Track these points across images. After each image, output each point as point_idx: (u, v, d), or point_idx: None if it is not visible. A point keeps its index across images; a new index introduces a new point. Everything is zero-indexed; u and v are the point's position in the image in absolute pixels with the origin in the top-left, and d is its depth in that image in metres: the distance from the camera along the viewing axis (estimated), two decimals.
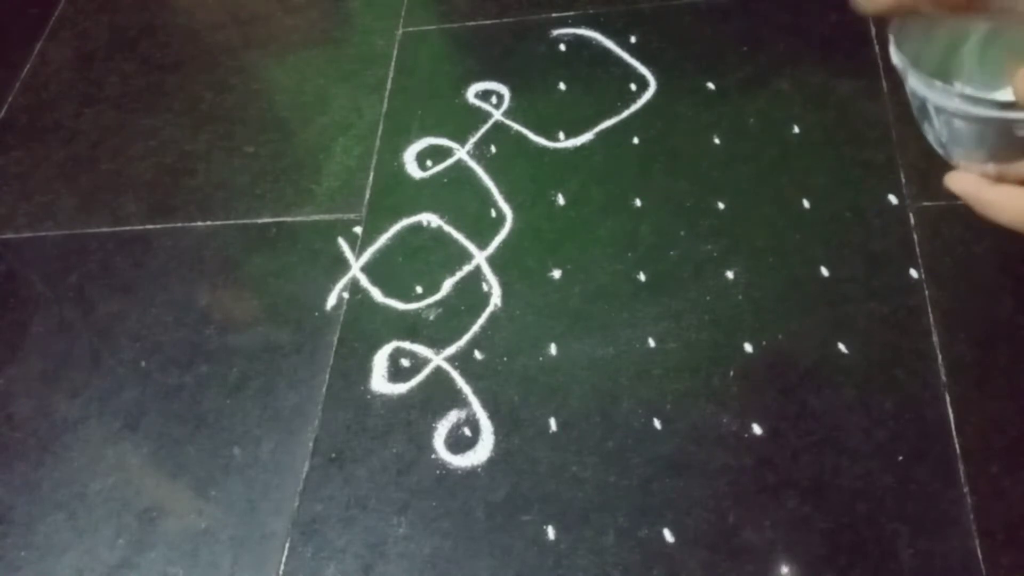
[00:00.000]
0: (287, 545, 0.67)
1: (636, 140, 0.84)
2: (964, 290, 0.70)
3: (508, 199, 0.82)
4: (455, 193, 0.84)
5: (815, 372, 0.68)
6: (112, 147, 0.96)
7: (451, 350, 0.74)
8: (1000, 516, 0.60)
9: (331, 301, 0.79)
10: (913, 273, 0.71)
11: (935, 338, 0.68)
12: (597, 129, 0.85)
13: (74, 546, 0.70)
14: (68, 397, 0.78)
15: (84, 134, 0.98)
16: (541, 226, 0.80)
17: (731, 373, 0.69)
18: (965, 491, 0.61)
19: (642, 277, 0.75)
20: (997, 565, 0.58)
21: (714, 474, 0.64)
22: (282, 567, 0.66)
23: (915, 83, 0.33)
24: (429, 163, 0.87)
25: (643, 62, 0.89)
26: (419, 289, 0.78)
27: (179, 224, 0.88)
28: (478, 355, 0.73)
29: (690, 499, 0.64)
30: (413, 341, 0.75)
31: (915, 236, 0.73)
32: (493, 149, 0.86)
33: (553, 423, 0.69)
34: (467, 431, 0.70)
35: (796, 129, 0.81)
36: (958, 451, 0.62)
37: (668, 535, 0.63)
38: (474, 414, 0.70)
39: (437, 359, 0.74)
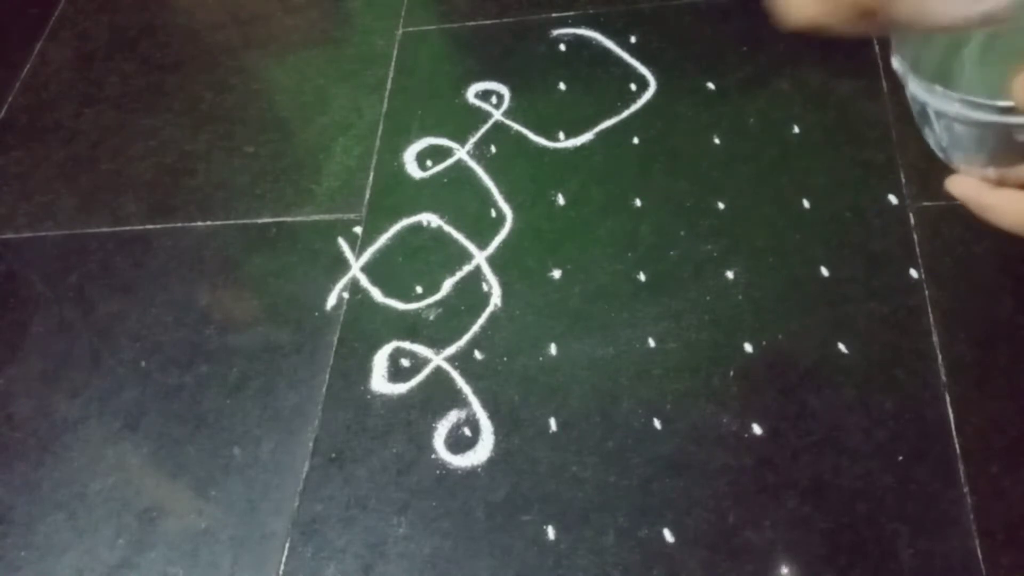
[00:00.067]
0: (287, 545, 0.67)
1: (636, 140, 0.84)
2: (964, 290, 0.70)
3: (508, 199, 0.82)
4: (455, 193, 0.84)
5: (815, 372, 0.68)
6: (112, 147, 0.96)
7: (451, 350, 0.74)
8: (1000, 516, 0.60)
9: (331, 301, 0.79)
10: (913, 273, 0.71)
11: (935, 338, 0.68)
12: (597, 129, 0.85)
13: (74, 546, 0.70)
14: (68, 397, 0.78)
15: (84, 134, 0.98)
16: (541, 226, 0.80)
17: (731, 373, 0.69)
18: (965, 491, 0.61)
19: (642, 277, 0.75)
20: (997, 565, 0.58)
21: (714, 474, 0.64)
22: (282, 567, 0.66)
23: (915, 88, 0.33)
24: (429, 163, 0.87)
25: (643, 62, 0.89)
26: (419, 289, 0.78)
27: (179, 224, 0.88)
28: (478, 355, 0.73)
29: (690, 499, 0.64)
30: (413, 341, 0.75)
31: (915, 236, 0.73)
32: (493, 149, 0.86)
33: (553, 423, 0.69)
34: (467, 431, 0.70)
35: (796, 129, 0.81)
36: (958, 451, 0.62)
37: (668, 535, 0.63)
38: (474, 414, 0.70)
39: (437, 359, 0.74)
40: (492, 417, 0.70)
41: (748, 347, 0.70)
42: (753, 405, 0.67)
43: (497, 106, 0.89)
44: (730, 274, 0.74)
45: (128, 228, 0.89)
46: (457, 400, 0.71)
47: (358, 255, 0.81)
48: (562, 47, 0.92)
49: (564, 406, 0.70)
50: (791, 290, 0.72)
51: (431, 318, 0.76)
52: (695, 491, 0.64)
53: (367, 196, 0.85)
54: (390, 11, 1.00)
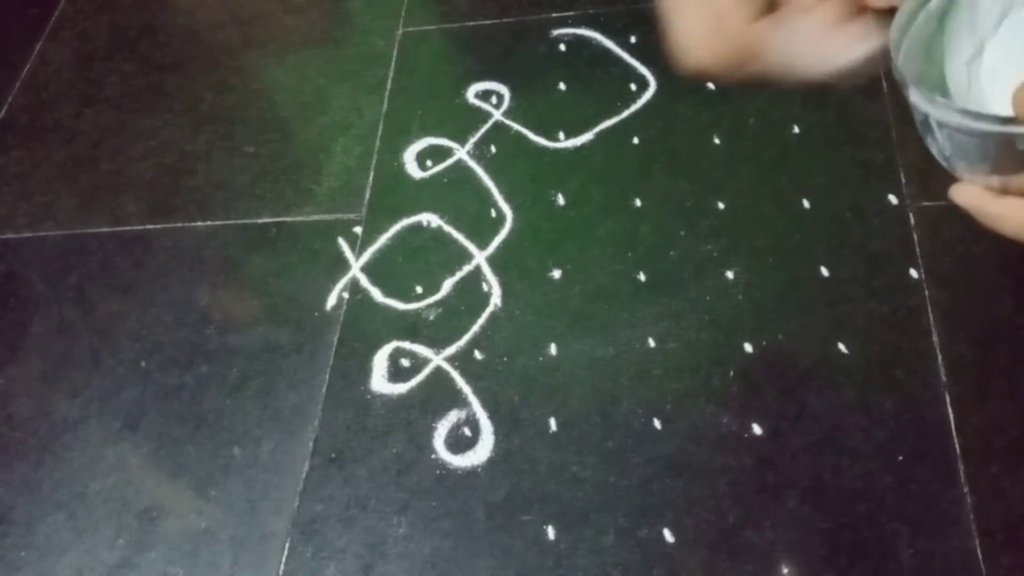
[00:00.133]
0: (287, 545, 0.67)
1: (636, 140, 0.84)
2: (964, 290, 0.70)
3: (508, 199, 0.82)
4: (455, 193, 0.84)
5: (815, 372, 0.68)
6: (112, 147, 0.96)
7: (451, 350, 0.74)
8: (1000, 516, 0.60)
9: (331, 301, 0.79)
10: (913, 273, 0.71)
11: (935, 338, 0.68)
12: (597, 129, 0.85)
13: (74, 546, 0.70)
14: (68, 397, 0.78)
15: (84, 134, 0.98)
16: (541, 226, 0.80)
17: (731, 373, 0.69)
18: (965, 491, 0.61)
19: (642, 277, 0.75)
20: (997, 565, 0.58)
21: (714, 474, 0.64)
22: (282, 567, 0.66)
23: (916, 99, 0.33)
24: (429, 163, 0.87)
25: (643, 62, 0.89)
26: (419, 289, 0.78)
27: (179, 224, 0.88)
28: (478, 355, 0.73)
29: (690, 499, 0.64)
30: (413, 341, 0.75)
31: (915, 236, 0.73)
32: (493, 149, 0.86)
33: (553, 423, 0.69)
34: (467, 431, 0.70)
35: (796, 129, 0.81)
36: (958, 451, 0.62)
37: (668, 535, 0.63)
38: (474, 414, 0.70)
39: (437, 359, 0.74)
40: (492, 417, 0.70)
41: (748, 347, 0.70)
42: (753, 405, 0.67)
43: (497, 106, 0.89)
44: (730, 274, 0.74)
45: (128, 228, 0.89)
46: (457, 400, 0.71)
47: (358, 255, 0.81)
48: (562, 47, 0.92)
49: (564, 406, 0.70)
50: (791, 290, 0.72)
51: (431, 318, 0.76)
52: (695, 491, 0.64)
53: (367, 196, 0.85)
54: (390, 11, 1.00)
